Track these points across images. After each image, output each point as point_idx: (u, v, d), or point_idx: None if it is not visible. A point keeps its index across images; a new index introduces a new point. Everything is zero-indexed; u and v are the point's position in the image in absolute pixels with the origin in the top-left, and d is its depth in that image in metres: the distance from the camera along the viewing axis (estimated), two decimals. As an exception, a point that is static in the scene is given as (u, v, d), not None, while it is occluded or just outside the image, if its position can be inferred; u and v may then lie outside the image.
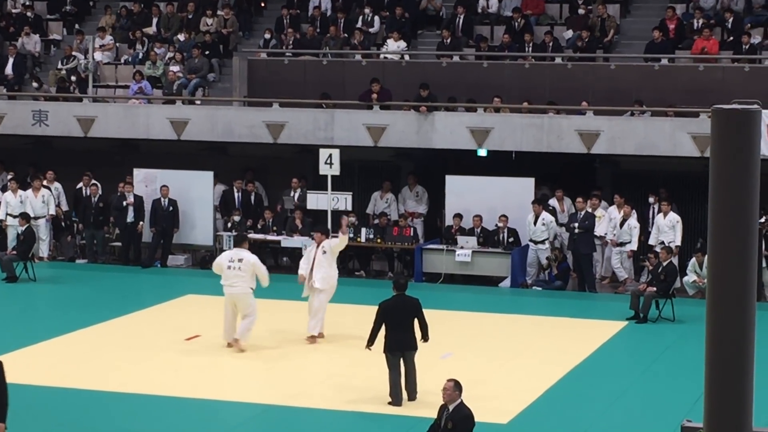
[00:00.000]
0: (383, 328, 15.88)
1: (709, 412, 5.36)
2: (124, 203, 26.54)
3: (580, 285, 24.53)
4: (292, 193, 27.18)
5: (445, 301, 22.42)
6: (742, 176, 5.14)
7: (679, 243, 23.81)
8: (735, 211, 5.17)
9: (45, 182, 27.49)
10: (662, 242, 23.67)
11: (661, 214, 24.34)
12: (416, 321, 15.98)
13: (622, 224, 24.56)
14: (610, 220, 24.78)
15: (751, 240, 5.22)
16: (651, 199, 25.14)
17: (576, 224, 24.36)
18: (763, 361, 9.11)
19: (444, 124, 25.94)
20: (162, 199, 26.62)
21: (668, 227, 24.11)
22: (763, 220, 23.23)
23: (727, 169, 5.17)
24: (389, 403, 15.79)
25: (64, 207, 27.79)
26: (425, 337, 16.09)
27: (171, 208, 26.55)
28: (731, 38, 27.39)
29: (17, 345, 19.02)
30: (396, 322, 15.83)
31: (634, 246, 24.43)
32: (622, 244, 24.61)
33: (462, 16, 29.20)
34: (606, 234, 24.74)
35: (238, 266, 18.67)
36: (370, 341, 16.05)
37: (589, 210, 24.57)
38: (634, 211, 24.67)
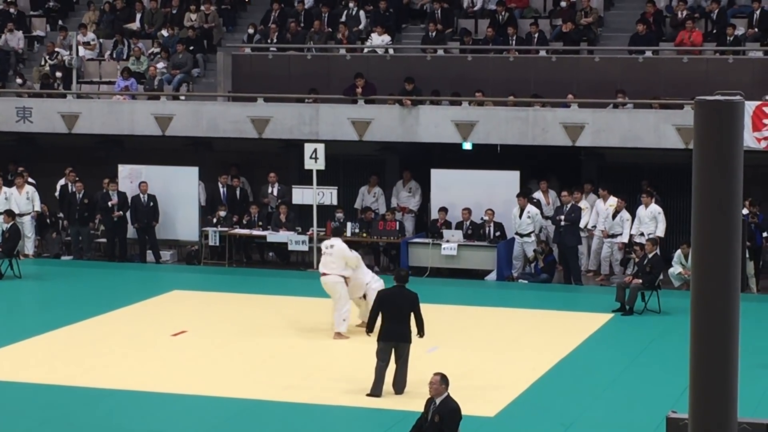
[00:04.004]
0: (380, 317, 16.06)
1: (694, 403, 5.37)
2: (109, 203, 26.47)
3: (565, 278, 24.56)
4: (270, 189, 27.16)
5: (431, 294, 22.34)
6: (726, 167, 5.15)
7: (661, 234, 23.82)
8: (718, 202, 5.18)
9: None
10: (642, 233, 23.78)
11: (642, 206, 24.40)
12: (413, 315, 16.07)
13: (614, 216, 24.59)
14: (598, 214, 24.79)
15: (734, 231, 5.24)
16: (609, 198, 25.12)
17: (562, 217, 24.39)
18: (747, 352, 9.14)
19: (429, 118, 25.94)
20: (141, 195, 26.58)
21: (649, 219, 24.16)
22: (746, 211, 23.29)
23: (710, 160, 5.18)
24: (368, 394, 15.82)
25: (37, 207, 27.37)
26: (420, 333, 16.15)
27: (151, 204, 26.53)
28: (714, 30, 27.41)
29: (2, 342, 18.98)
30: (391, 313, 15.91)
31: (624, 238, 24.47)
32: (613, 236, 24.65)
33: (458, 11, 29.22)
34: (593, 226, 24.76)
35: (330, 252, 19.24)
36: (369, 328, 16.36)
37: (573, 202, 24.60)
38: (611, 198, 24.69)
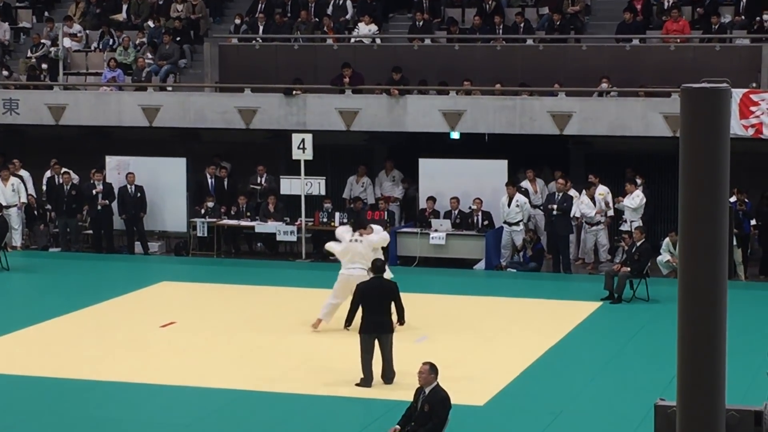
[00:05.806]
0: (360, 309, 16.00)
1: (682, 390, 5.38)
2: (94, 192, 26.44)
3: (554, 266, 24.58)
4: (258, 179, 27.14)
5: (419, 284, 22.42)
6: (713, 155, 5.15)
7: (640, 204, 24.07)
8: (705, 190, 5.18)
9: (12, 170, 27.36)
10: (624, 220, 23.92)
11: (627, 194, 24.49)
12: (393, 305, 16.06)
13: (593, 203, 24.68)
14: (582, 202, 24.86)
15: (721, 219, 5.24)
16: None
17: (554, 206, 24.39)
18: (734, 340, 9.16)
19: (416, 107, 25.93)
20: (128, 186, 26.52)
21: (634, 207, 24.25)
22: (734, 198, 23.33)
23: (696, 148, 5.18)
24: (357, 384, 15.81)
25: (32, 194, 27.57)
26: (401, 320, 16.15)
27: (138, 195, 26.49)
28: (703, 14, 27.31)
29: (-9, 335, 18.97)
30: (372, 304, 15.88)
31: (610, 212, 24.60)
32: (597, 224, 24.71)
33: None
34: (582, 216, 24.80)
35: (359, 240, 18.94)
36: (348, 321, 16.33)
37: (565, 191, 24.63)
38: (600, 187, 24.76)
